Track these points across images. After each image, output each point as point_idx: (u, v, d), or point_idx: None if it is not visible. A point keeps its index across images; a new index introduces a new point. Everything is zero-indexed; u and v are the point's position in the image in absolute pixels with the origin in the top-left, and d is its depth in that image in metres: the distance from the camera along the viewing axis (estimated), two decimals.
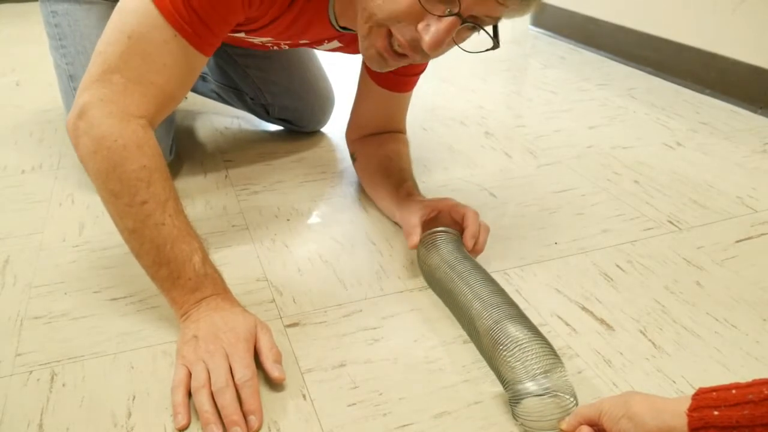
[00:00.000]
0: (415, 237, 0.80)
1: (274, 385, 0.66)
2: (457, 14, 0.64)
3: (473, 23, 0.66)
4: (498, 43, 0.69)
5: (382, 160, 0.99)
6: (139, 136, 0.68)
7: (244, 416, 0.60)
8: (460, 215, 0.82)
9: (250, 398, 0.62)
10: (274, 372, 0.65)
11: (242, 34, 0.84)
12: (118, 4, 0.71)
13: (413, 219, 0.83)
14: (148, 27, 0.68)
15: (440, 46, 0.66)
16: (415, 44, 0.67)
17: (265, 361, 0.66)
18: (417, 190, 0.93)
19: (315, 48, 0.97)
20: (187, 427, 0.61)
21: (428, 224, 0.82)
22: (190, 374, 0.64)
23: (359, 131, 1.05)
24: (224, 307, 0.69)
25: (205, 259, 0.71)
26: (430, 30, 0.65)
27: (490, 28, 0.68)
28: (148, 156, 0.69)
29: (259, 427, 0.61)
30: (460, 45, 0.70)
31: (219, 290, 0.71)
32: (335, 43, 0.93)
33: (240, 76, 1.21)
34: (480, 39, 0.70)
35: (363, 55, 0.74)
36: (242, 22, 0.75)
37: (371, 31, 0.70)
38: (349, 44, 0.93)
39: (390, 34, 0.69)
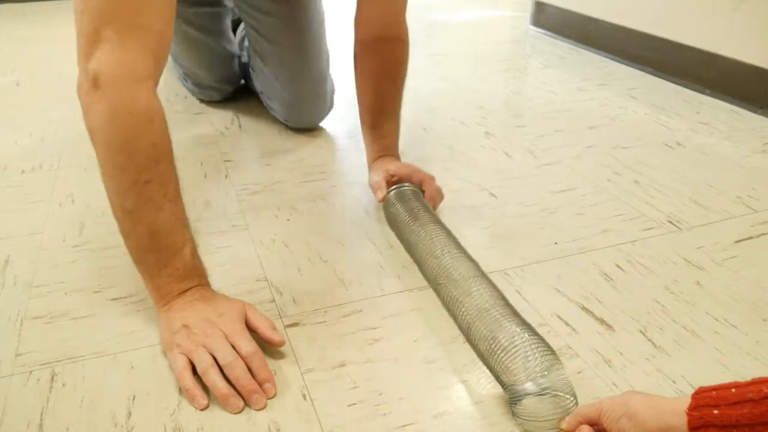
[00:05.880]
0: (381, 192, 0.94)
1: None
2: None
3: None
4: None
5: (373, 98, 1.01)
6: (150, 107, 0.67)
7: (259, 385, 0.64)
8: (418, 181, 0.95)
9: (261, 369, 0.65)
10: (274, 337, 0.68)
11: None
12: None
13: (378, 177, 0.96)
14: None
15: None
16: None
17: (264, 332, 0.68)
18: (394, 149, 1.02)
19: None
20: (208, 406, 0.63)
21: (391, 184, 0.96)
22: (189, 361, 0.65)
23: (362, 29, 1.01)
24: (207, 296, 0.70)
25: (195, 251, 0.72)
26: None
27: None
28: (158, 133, 0.67)
29: (275, 394, 0.64)
30: None
31: (203, 282, 0.72)
32: None
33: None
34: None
35: None
36: None
37: None
38: None
39: None
